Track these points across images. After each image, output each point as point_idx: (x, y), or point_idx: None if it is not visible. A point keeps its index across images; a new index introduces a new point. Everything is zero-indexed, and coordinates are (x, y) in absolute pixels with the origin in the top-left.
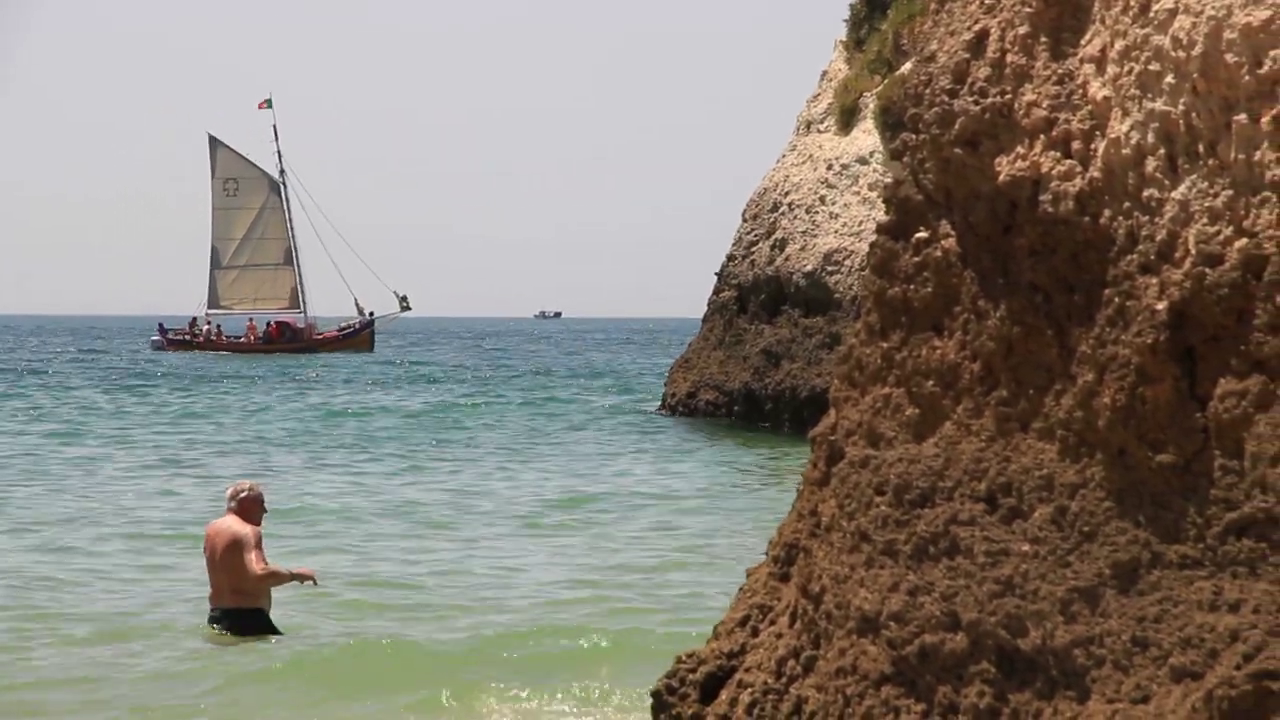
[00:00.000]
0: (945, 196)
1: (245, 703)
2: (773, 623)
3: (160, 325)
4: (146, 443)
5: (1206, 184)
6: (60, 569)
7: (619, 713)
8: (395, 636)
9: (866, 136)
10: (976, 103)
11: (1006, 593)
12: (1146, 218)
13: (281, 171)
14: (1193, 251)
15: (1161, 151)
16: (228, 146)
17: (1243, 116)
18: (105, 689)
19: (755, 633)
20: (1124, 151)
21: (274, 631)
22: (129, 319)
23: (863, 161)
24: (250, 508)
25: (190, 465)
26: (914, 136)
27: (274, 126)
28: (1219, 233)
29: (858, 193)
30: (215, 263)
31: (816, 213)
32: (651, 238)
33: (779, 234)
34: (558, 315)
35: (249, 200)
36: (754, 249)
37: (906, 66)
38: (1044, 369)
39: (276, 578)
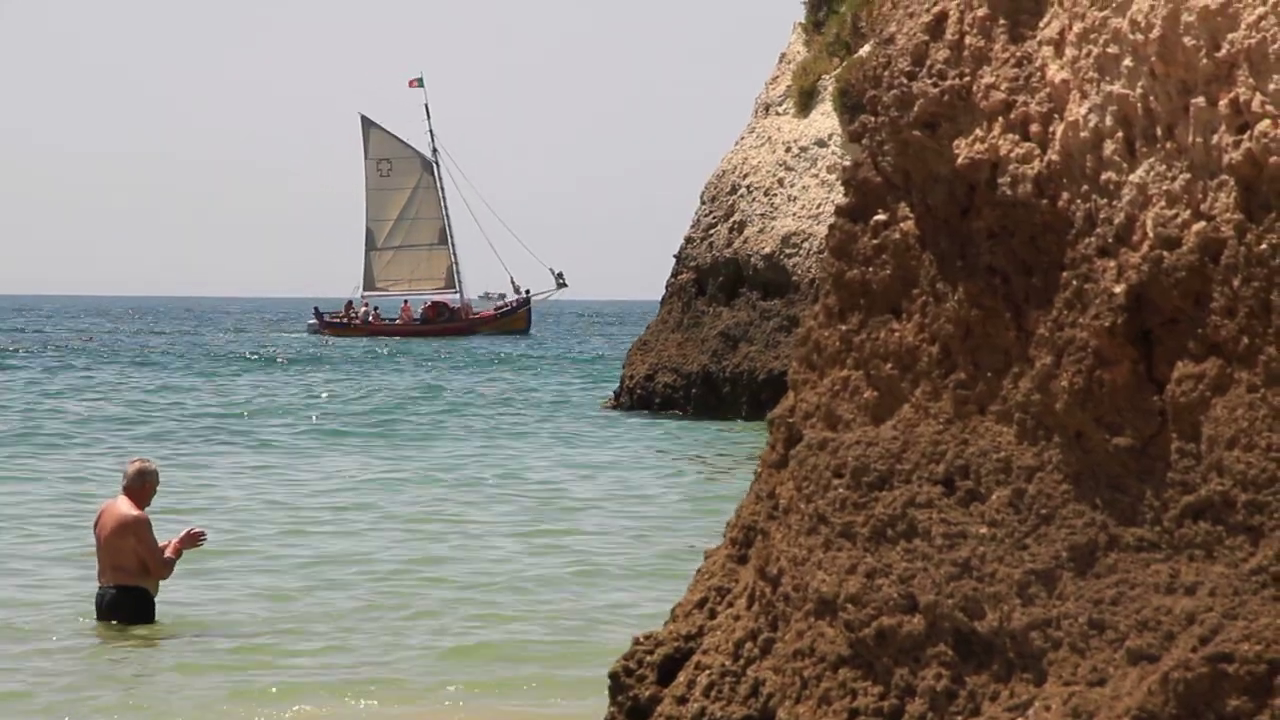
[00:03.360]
0: (904, 179)
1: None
2: (730, 605)
3: (315, 309)
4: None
5: (1164, 167)
6: None
7: (575, 696)
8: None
9: (825, 119)
10: (935, 85)
11: (964, 575)
12: (1104, 201)
13: (434, 150)
14: (1150, 235)
15: (1119, 134)
16: (380, 127)
17: (1200, 99)
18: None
19: (713, 615)
20: (1082, 134)
21: (151, 619)
22: (280, 302)
23: (821, 144)
24: (145, 487)
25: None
26: (873, 119)
27: (425, 105)
28: (1176, 216)
29: (816, 175)
30: (370, 244)
31: (775, 195)
32: (606, 218)
33: (737, 216)
34: (502, 297)
35: (403, 180)
36: (712, 231)
37: (865, 49)
38: (1002, 352)
39: (170, 567)
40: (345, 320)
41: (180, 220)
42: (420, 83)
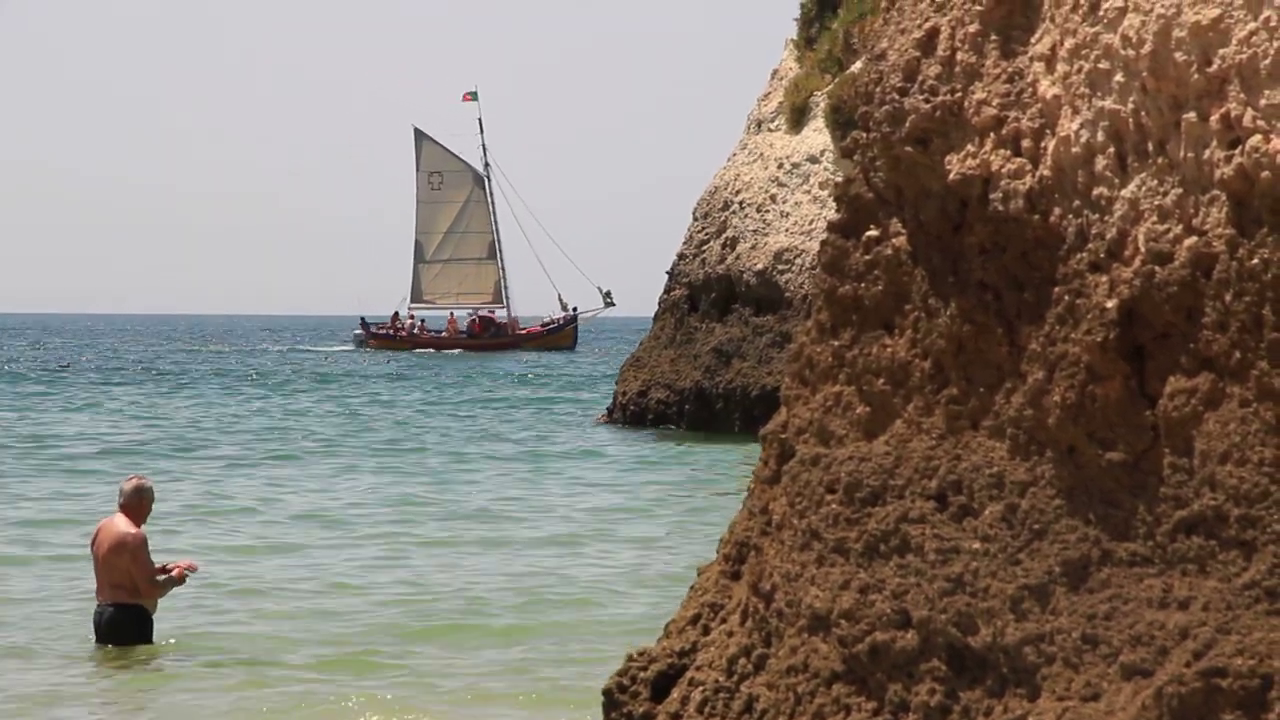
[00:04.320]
0: (896, 194)
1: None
2: (724, 621)
3: (362, 320)
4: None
5: (1156, 182)
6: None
7: (571, 712)
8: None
9: (817, 135)
10: (927, 101)
11: (957, 590)
12: (1096, 216)
13: (486, 165)
14: (1142, 250)
15: (1111, 150)
16: (433, 140)
17: (1192, 115)
18: None
19: (706, 631)
20: (1074, 150)
21: (148, 640)
22: (328, 319)
23: (813, 160)
24: (141, 503)
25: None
26: (865, 135)
27: (479, 119)
28: (1168, 231)
29: (808, 191)
30: (419, 256)
31: (767, 211)
32: (599, 234)
33: (730, 232)
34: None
35: (453, 194)
36: (705, 247)
37: (857, 65)
38: (994, 367)
39: (161, 590)
40: (391, 332)
41: (239, 237)
42: (474, 96)
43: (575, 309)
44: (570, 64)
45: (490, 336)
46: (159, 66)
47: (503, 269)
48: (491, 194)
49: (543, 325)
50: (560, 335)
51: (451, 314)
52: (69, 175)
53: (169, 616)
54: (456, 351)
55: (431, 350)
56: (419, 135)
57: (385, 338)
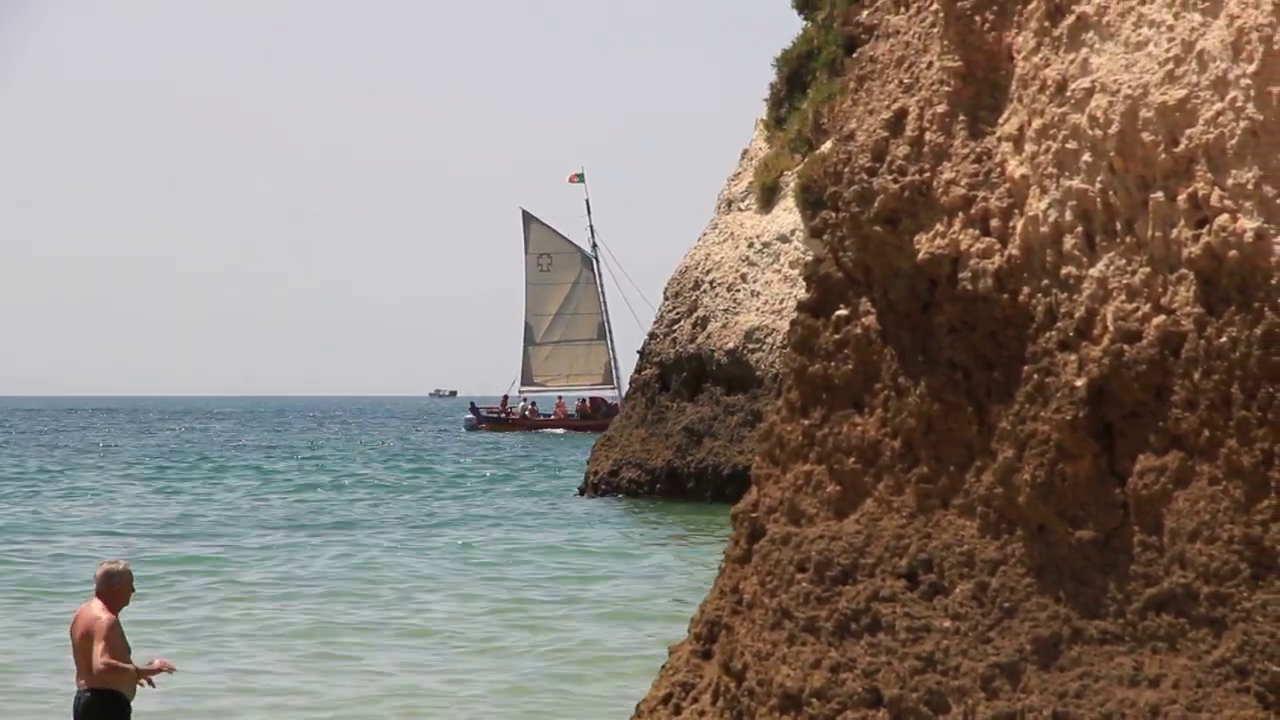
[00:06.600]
0: (865, 274)
1: None
2: (695, 700)
3: (472, 404)
4: None
5: (1124, 261)
6: None
7: None
8: None
9: (787, 214)
10: (895, 181)
11: (928, 669)
12: (1065, 295)
13: (594, 245)
14: (1111, 328)
15: (1079, 229)
16: (541, 221)
17: (1159, 194)
18: None
19: (678, 710)
20: (1042, 229)
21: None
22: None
23: (783, 239)
24: (112, 589)
25: None
26: (834, 214)
27: (586, 201)
28: (1137, 310)
29: (779, 270)
30: (529, 339)
31: (738, 290)
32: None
33: (700, 312)
34: (453, 394)
35: (562, 275)
36: (675, 327)
37: (827, 145)
38: (964, 446)
39: (119, 672)
40: (502, 415)
41: (340, 321)
42: (581, 178)
43: None
44: (672, 133)
45: (601, 416)
46: (263, 153)
47: (613, 349)
48: (600, 274)
49: None
50: None
51: (560, 397)
52: (170, 264)
53: (149, 699)
54: (561, 432)
55: (544, 431)
56: (527, 217)
57: (496, 420)
